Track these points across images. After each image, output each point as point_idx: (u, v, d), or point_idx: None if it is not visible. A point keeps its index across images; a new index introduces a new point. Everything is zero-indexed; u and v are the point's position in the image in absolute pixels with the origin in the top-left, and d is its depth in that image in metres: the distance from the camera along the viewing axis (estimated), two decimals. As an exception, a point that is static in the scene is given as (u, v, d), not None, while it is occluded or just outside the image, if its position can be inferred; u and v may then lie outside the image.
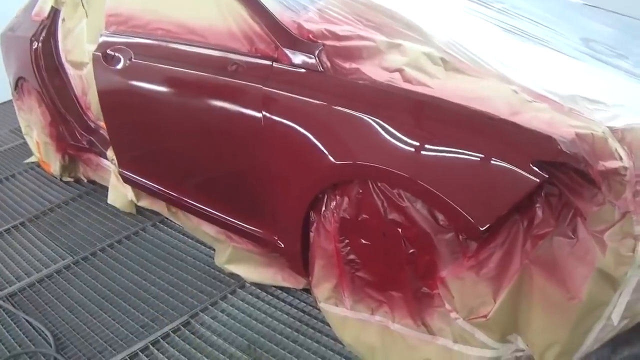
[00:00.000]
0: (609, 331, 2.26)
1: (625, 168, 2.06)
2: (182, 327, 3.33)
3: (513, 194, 2.11)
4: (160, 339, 3.25)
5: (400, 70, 2.50)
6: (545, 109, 2.22)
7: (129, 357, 3.15)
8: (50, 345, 3.28)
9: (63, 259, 4.09)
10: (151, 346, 3.21)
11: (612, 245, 2.07)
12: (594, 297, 2.14)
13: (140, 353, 3.18)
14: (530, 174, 2.06)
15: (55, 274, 3.96)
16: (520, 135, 2.13)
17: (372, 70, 2.56)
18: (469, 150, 2.20)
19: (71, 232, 4.43)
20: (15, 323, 3.54)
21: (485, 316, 2.33)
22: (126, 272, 3.87)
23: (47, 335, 3.37)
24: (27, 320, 3.53)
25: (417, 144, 2.31)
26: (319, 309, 3.19)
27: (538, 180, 2.05)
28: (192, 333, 3.28)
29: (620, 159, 2.07)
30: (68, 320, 3.50)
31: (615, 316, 2.20)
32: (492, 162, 2.14)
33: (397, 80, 2.49)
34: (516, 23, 3.16)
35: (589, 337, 2.25)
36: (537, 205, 2.13)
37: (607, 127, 2.13)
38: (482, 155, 2.17)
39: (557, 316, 2.21)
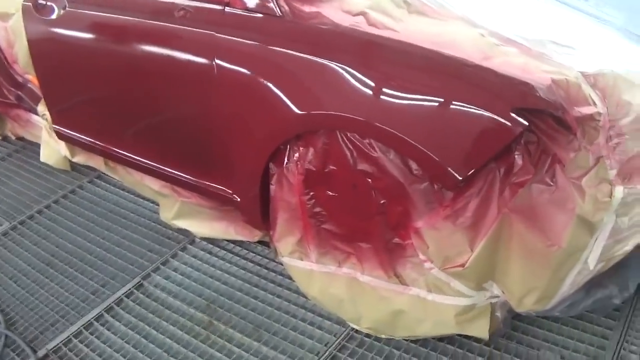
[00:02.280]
0: (585, 275, 2.27)
1: (600, 113, 2.04)
2: (135, 290, 3.22)
3: (494, 142, 2.09)
4: (114, 305, 3.14)
5: (363, 14, 2.41)
6: (514, 53, 2.19)
7: (84, 328, 3.04)
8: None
9: (0, 225, 3.90)
10: (105, 314, 3.10)
11: (589, 191, 2.07)
12: (573, 243, 2.15)
13: (95, 322, 3.07)
14: (511, 122, 2.03)
15: (-9, 241, 3.77)
16: (497, 82, 2.10)
17: (334, 14, 2.46)
18: (446, 98, 2.15)
19: (4, 195, 4.22)
20: (-47, 297, 3.36)
21: (462, 265, 2.32)
22: (68, 235, 3.72)
23: (-7, 311, 3.22)
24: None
25: (391, 91, 2.23)
26: (277, 262, 3.17)
27: (520, 129, 2.03)
28: (146, 296, 3.18)
29: (594, 104, 2.05)
30: (14, 292, 3.33)
31: (591, 260, 2.22)
32: (472, 109, 2.10)
33: (361, 24, 2.40)
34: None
35: (566, 281, 2.27)
36: (516, 153, 2.11)
37: (579, 72, 2.10)
38: (460, 103, 2.12)
39: (536, 263, 2.23)
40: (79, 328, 3.03)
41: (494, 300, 2.48)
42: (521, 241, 2.21)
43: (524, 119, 2.02)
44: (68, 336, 2.99)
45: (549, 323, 2.73)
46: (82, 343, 2.96)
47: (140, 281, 3.27)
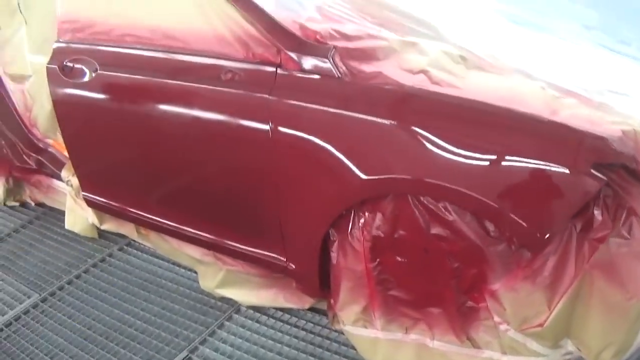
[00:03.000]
0: None
1: None
2: (184, 364, 3.30)
3: (576, 199, 2.19)
4: (164, 381, 3.22)
5: (424, 72, 2.53)
6: (576, 105, 2.32)
7: (135, 404, 3.11)
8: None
9: (28, 297, 4.00)
10: (156, 389, 3.18)
11: None
12: None
13: (145, 398, 3.14)
14: (592, 178, 2.14)
15: (23, 315, 3.85)
16: (574, 138, 2.21)
17: (394, 73, 2.58)
18: (523, 156, 2.25)
19: (30, 265, 4.32)
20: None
21: (540, 325, 2.42)
22: (103, 306, 3.80)
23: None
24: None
25: (466, 152, 2.34)
26: (329, 329, 3.25)
27: (600, 185, 2.14)
28: (197, 370, 3.26)
29: None
30: (50, 369, 3.42)
31: None
32: (551, 167, 2.20)
33: (424, 82, 2.51)
34: (515, 10, 3.22)
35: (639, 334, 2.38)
36: (595, 208, 2.21)
37: None
38: (539, 160, 2.22)
39: (615, 317, 2.33)
40: (129, 406, 3.10)
41: (567, 357, 2.57)
42: (601, 296, 2.31)
43: (602, 174, 2.13)
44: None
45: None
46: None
47: (188, 355, 3.34)
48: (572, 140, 2.21)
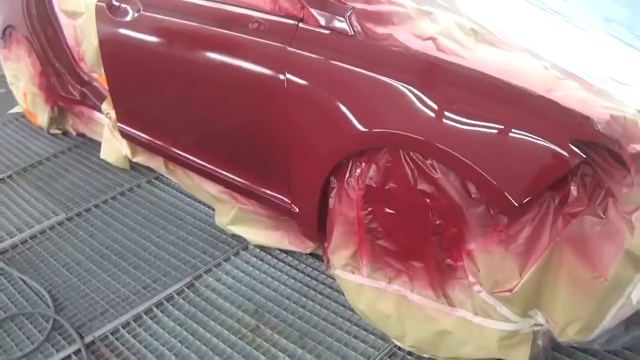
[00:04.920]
0: (627, 310, 2.35)
1: None
2: (186, 289, 3.39)
3: (551, 171, 2.20)
4: (164, 301, 3.31)
5: (433, 39, 2.54)
6: (576, 88, 2.30)
7: (132, 320, 3.21)
8: (49, 306, 3.32)
9: (56, 215, 4.11)
10: (155, 308, 3.27)
11: (639, 226, 2.16)
12: (619, 277, 2.24)
13: (144, 315, 3.23)
14: (569, 153, 2.15)
15: (48, 230, 3.97)
16: (559, 113, 2.22)
17: (405, 37, 2.59)
18: (508, 125, 2.28)
19: (62, 187, 4.44)
20: (8, 281, 3.56)
21: (510, 290, 2.42)
22: (123, 230, 3.91)
23: (44, 295, 3.40)
24: (21, 279, 3.55)
25: (456, 115, 2.36)
26: (326, 275, 3.31)
27: (577, 160, 2.15)
28: (196, 295, 3.34)
29: None
30: (65, 280, 3.53)
31: (634, 296, 2.31)
32: (532, 138, 2.22)
33: (431, 48, 2.53)
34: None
35: (608, 314, 2.36)
36: (572, 184, 2.21)
37: (637, 110, 2.22)
38: (522, 131, 2.24)
39: (582, 293, 2.32)
40: (127, 319, 3.20)
41: (537, 328, 2.57)
42: (569, 271, 2.31)
43: (582, 151, 2.14)
44: (116, 326, 3.17)
45: (585, 357, 2.82)
46: (129, 334, 3.13)
47: (191, 280, 3.43)
48: (554, 115, 2.21)
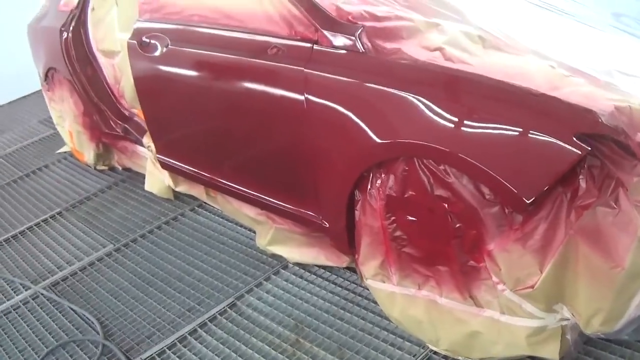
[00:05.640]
0: None
1: None
2: (228, 309, 3.47)
3: (557, 166, 2.23)
4: (208, 322, 3.39)
5: (440, 49, 2.60)
6: (582, 83, 2.34)
7: (178, 341, 3.30)
8: (98, 332, 3.43)
9: (104, 247, 4.24)
10: (199, 329, 3.36)
11: None
12: (636, 265, 2.26)
13: (188, 336, 3.32)
14: (573, 147, 2.18)
15: (96, 261, 4.11)
16: (562, 109, 2.26)
17: (413, 50, 2.66)
18: (512, 125, 2.32)
19: (110, 220, 4.58)
20: (60, 312, 3.69)
21: (532, 287, 2.45)
22: (168, 257, 4.02)
23: (93, 323, 3.52)
24: (72, 309, 3.68)
25: (462, 120, 2.42)
26: (363, 287, 3.36)
27: (581, 153, 2.17)
28: (238, 314, 3.42)
29: None
30: (113, 307, 3.65)
31: None
32: (536, 136, 2.26)
33: (438, 59, 2.59)
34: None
35: (632, 303, 2.37)
36: (580, 176, 2.24)
37: None
38: (526, 130, 2.29)
39: (601, 284, 2.33)
40: (173, 341, 3.29)
41: (564, 323, 2.59)
42: (586, 262, 2.33)
43: (587, 144, 2.17)
44: (162, 348, 3.26)
45: (621, 349, 2.81)
46: (175, 354, 3.22)
47: (234, 301, 3.51)
48: (557, 110, 2.25)
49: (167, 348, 3.25)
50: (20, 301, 3.83)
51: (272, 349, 3.13)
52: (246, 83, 3.27)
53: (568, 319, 2.56)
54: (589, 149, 2.16)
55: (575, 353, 2.71)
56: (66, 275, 4.00)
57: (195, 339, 3.29)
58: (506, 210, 2.42)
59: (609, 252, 2.27)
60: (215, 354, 3.16)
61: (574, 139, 2.18)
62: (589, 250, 2.30)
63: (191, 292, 3.64)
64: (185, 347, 3.26)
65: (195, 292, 3.64)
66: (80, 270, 4.03)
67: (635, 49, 2.87)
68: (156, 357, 3.21)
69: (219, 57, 3.40)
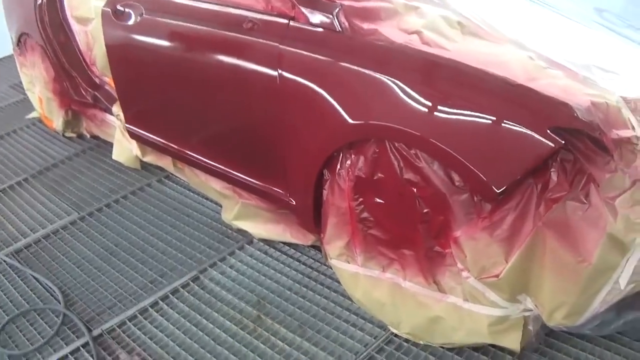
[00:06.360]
0: (615, 294, 2.35)
1: (637, 137, 2.17)
2: (191, 282, 3.41)
3: (529, 158, 2.20)
4: (170, 295, 3.34)
5: (418, 33, 2.56)
6: (560, 76, 2.31)
7: (139, 313, 3.24)
8: (59, 302, 3.36)
9: (68, 215, 4.15)
10: (161, 301, 3.30)
11: (622, 211, 2.17)
12: (604, 261, 2.24)
13: (150, 308, 3.27)
14: (547, 140, 2.15)
15: (60, 229, 4.01)
16: (537, 101, 2.22)
17: (390, 32, 2.61)
18: (487, 114, 2.28)
19: (75, 188, 4.48)
20: (22, 280, 3.61)
21: (496, 276, 2.42)
22: (132, 228, 3.94)
23: (55, 292, 3.45)
24: (34, 277, 3.60)
25: (436, 105, 2.38)
26: (327, 266, 3.30)
27: (554, 146, 2.14)
28: (201, 288, 3.37)
29: (633, 128, 2.18)
30: (75, 277, 3.57)
31: (622, 280, 2.30)
32: (510, 126, 2.23)
33: (415, 42, 2.55)
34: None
35: (596, 299, 2.35)
36: (552, 169, 2.21)
37: (621, 97, 2.22)
38: (500, 119, 2.25)
39: (567, 278, 2.31)
40: (134, 312, 3.23)
41: (527, 314, 2.57)
42: (553, 255, 2.30)
43: (561, 138, 2.13)
44: (123, 319, 3.20)
45: (582, 343, 2.80)
46: (135, 326, 3.16)
47: (197, 274, 3.46)
48: (532, 102, 2.22)
49: (128, 320, 3.19)
50: (-18, 267, 3.74)
51: (234, 324, 3.09)
52: (220, 56, 3.20)
53: (531, 310, 2.54)
54: (563, 142, 2.13)
55: (536, 344, 2.71)
56: (30, 242, 3.91)
57: (157, 312, 3.23)
58: (475, 199, 2.38)
59: (577, 247, 2.24)
60: (177, 327, 3.11)
61: (549, 131, 2.14)
62: (556, 244, 2.27)
63: (154, 264, 3.58)
64: (146, 319, 3.20)
65: (158, 264, 3.58)
66: (44, 238, 3.94)
67: (615, 45, 2.83)
68: (117, 328, 3.15)
69: (194, 28, 3.31)
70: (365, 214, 2.77)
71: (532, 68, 2.35)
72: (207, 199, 4.12)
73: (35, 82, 5.26)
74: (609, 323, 2.49)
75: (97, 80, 4.65)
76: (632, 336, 2.79)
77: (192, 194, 4.23)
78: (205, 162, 3.65)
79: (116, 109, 4.32)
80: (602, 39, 2.90)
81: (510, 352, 2.73)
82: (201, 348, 2.98)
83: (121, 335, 3.12)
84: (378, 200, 2.70)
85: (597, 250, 2.21)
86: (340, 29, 2.72)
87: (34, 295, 3.46)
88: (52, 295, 3.44)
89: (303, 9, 2.84)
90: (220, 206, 3.90)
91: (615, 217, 2.17)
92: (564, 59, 2.45)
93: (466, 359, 2.79)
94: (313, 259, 3.49)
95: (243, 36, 3.04)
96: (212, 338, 3.02)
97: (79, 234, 3.95)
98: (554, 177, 2.21)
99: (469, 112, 2.32)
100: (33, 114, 5.65)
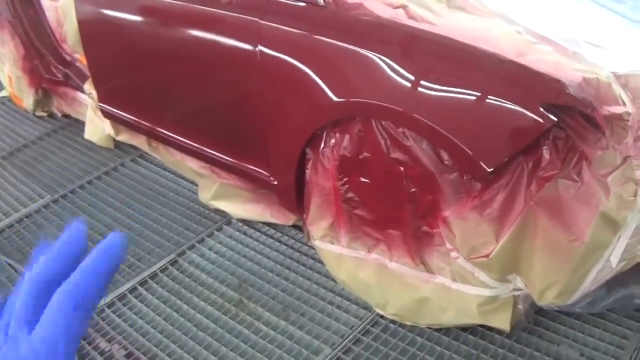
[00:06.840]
0: (606, 273, 2.31)
1: (629, 113, 2.10)
2: (169, 265, 3.33)
3: (522, 136, 2.15)
4: (148, 279, 3.25)
5: (404, 7, 2.47)
6: (549, 51, 2.24)
7: (117, 299, 3.15)
8: (34, 288, 3.25)
9: (42, 198, 4.03)
10: (139, 287, 3.21)
11: (615, 189, 2.12)
12: (596, 240, 2.19)
13: (128, 294, 3.18)
14: (539, 117, 2.09)
15: (34, 213, 3.90)
16: (529, 77, 2.15)
17: (376, 6, 2.52)
18: (477, 91, 2.22)
19: (47, 169, 4.35)
20: (-5, 266, 3.49)
21: (486, 256, 2.36)
22: (108, 210, 3.83)
23: (29, 278, 3.33)
24: (7, 263, 3.49)
25: (425, 82, 2.30)
26: (309, 246, 3.24)
27: (547, 123, 2.08)
28: (180, 272, 3.28)
29: (624, 104, 2.11)
30: (49, 262, 3.46)
31: (614, 258, 2.26)
32: (501, 103, 2.16)
33: (401, 16, 2.46)
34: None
35: (587, 277, 2.31)
36: (544, 147, 2.15)
37: (611, 72, 2.15)
38: (492, 97, 2.18)
39: (559, 257, 2.26)
40: (112, 299, 3.13)
41: (516, 293, 2.53)
42: (545, 235, 2.25)
43: (553, 115, 2.07)
44: (101, 306, 3.09)
45: (571, 320, 2.76)
46: (114, 314, 3.07)
47: (175, 257, 3.37)
48: (524, 79, 2.16)
49: (106, 307, 3.09)
50: (-46, 252, 3.62)
51: (215, 309, 3.01)
52: (197, 32, 3.10)
53: (521, 290, 2.49)
54: (556, 120, 2.07)
55: (526, 322, 2.66)
56: (2, 227, 3.78)
57: (135, 297, 3.14)
58: (465, 177, 2.32)
59: (569, 226, 2.18)
60: (157, 313, 3.02)
61: (541, 109, 2.08)
62: (548, 223, 2.22)
63: (131, 247, 3.46)
64: (124, 305, 3.11)
65: (135, 247, 3.46)
66: (16, 223, 3.82)
67: (604, 19, 2.76)
68: (95, 315, 3.05)
69: (169, 3, 3.20)
70: (350, 194, 2.69)
71: (521, 43, 2.27)
72: (182, 178, 4.02)
73: (5, 60, 5.11)
74: (599, 301, 2.46)
75: (67, 58, 4.53)
76: (622, 313, 2.76)
77: (167, 173, 4.13)
78: (181, 141, 3.55)
79: (88, 86, 4.20)
80: (590, 12, 2.82)
81: (499, 331, 2.68)
82: (183, 335, 2.89)
83: (100, 323, 3.02)
84: (364, 179, 2.62)
85: (590, 229, 2.16)
86: (323, 3, 2.62)
87: (6, 281, 3.34)
88: (26, 281, 3.31)
89: (284, -18, 2.74)
90: (197, 185, 3.80)
91: (607, 195, 2.12)
92: (552, 33, 2.37)
93: (454, 339, 2.74)
94: (294, 239, 3.41)
95: (221, 11, 2.93)
96: (194, 324, 2.94)
97: (52, 217, 3.84)
98: (545, 155, 2.15)
99: (458, 89, 2.25)
100: (2, 93, 5.50)
